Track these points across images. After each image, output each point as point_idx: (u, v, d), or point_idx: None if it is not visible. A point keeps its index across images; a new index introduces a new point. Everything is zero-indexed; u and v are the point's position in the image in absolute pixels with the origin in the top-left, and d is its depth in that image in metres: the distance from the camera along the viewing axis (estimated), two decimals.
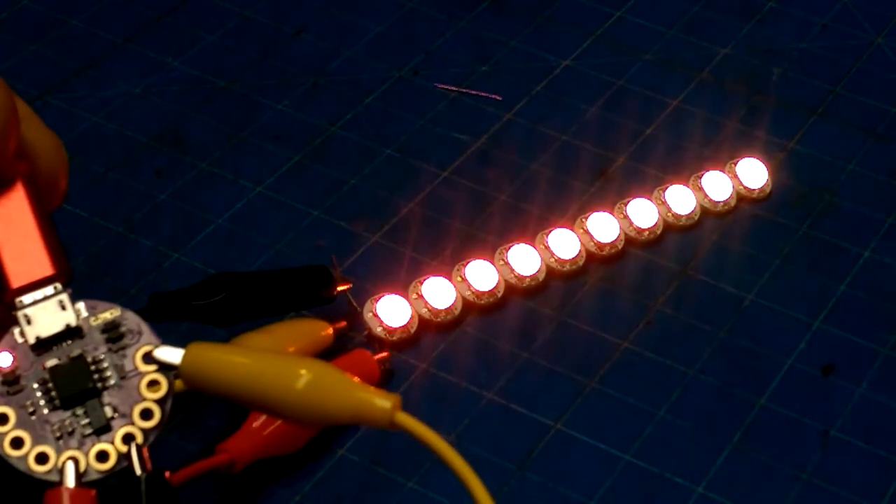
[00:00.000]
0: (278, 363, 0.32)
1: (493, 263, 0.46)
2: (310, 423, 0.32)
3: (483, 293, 0.45)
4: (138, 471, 0.31)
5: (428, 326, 0.44)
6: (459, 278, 0.45)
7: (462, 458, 0.31)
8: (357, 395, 0.31)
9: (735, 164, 0.50)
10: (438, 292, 0.45)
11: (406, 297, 0.44)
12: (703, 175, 0.49)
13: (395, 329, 0.44)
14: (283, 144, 0.51)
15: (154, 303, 0.41)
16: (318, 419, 0.31)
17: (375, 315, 0.44)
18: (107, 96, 0.52)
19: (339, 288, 0.44)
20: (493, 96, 0.53)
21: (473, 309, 0.45)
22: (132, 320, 0.32)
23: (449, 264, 0.46)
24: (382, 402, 0.31)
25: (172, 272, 0.46)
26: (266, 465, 0.40)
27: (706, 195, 0.49)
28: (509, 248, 0.46)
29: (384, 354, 0.43)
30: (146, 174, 0.49)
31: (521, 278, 0.46)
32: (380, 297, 0.44)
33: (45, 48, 0.54)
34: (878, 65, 0.55)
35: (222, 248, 0.47)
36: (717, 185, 0.49)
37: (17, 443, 0.31)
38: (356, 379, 0.32)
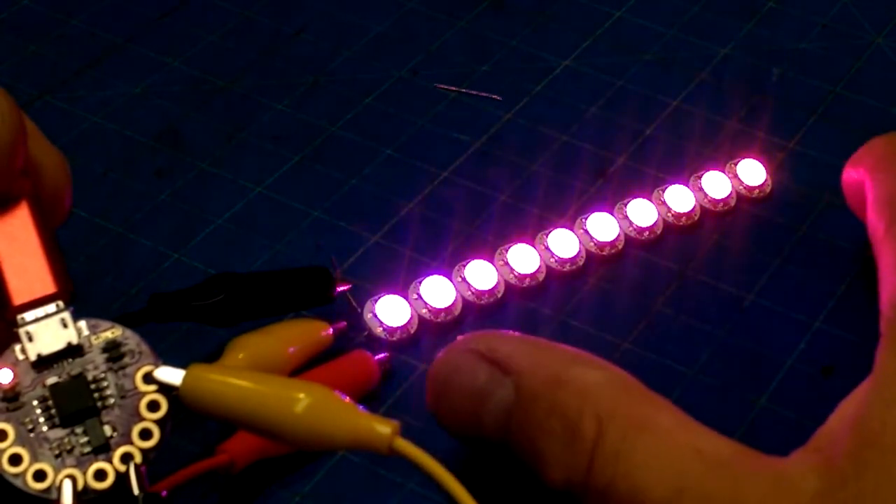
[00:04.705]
0: (277, 387, 0.32)
1: (493, 263, 0.46)
2: (308, 448, 0.32)
3: (483, 293, 0.45)
4: (136, 490, 0.31)
5: (428, 326, 0.44)
6: (459, 278, 0.45)
7: (462, 486, 0.31)
8: (356, 420, 0.31)
9: (735, 164, 0.50)
10: (438, 292, 0.45)
11: (406, 297, 0.44)
12: (702, 175, 0.49)
13: (395, 329, 0.44)
14: (283, 144, 0.51)
15: (154, 303, 0.41)
16: (317, 444, 0.32)
17: (375, 315, 0.44)
18: (107, 96, 0.52)
19: (339, 288, 0.44)
20: (493, 96, 0.53)
21: (473, 309, 0.45)
22: (133, 340, 0.32)
23: (449, 264, 0.46)
24: (382, 428, 0.31)
25: (172, 272, 0.46)
26: (266, 465, 0.40)
27: (706, 195, 0.49)
28: (509, 248, 0.46)
29: (384, 355, 0.43)
30: (146, 174, 0.49)
31: (521, 278, 0.46)
32: (380, 298, 0.44)
33: (45, 48, 0.54)
34: (878, 65, 0.55)
35: (222, 248, 0.47)
36: (717, 185, 0.49)
37: (15, 459, 0.31)
38: (357, 406, 0.32)
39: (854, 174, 0.44)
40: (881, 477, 0.31)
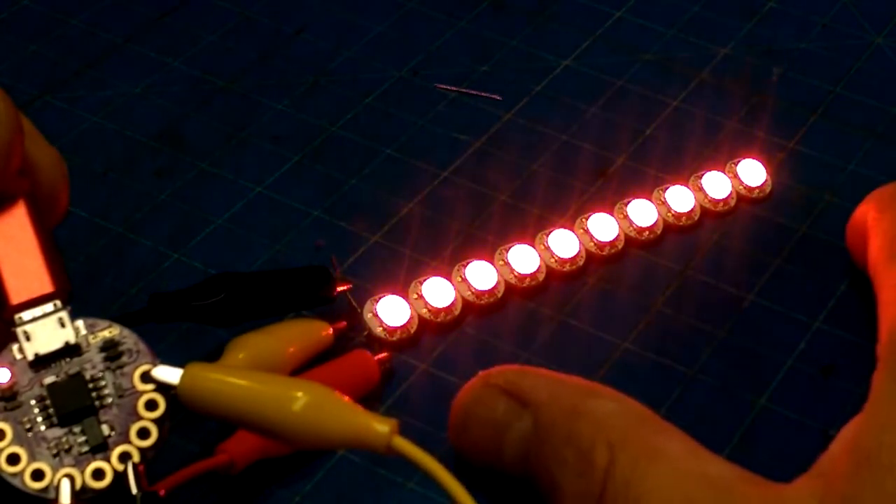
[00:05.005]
0: (276, 385, 0.32)
1: (493, 263, 0.46)
2: (307, 446, 0.32)
3: (483, 293, 0.45)
4: (134, 490, 0.31)
5: (428, 326, 0.44)
6: (459, 278, 0.45)
7: (461, 485, 0.31)
8: (354, 418, 0.31)
9: (735, 165, 0.50)
10: (438, 292, 0.45)
11: (406, 297, 0.44)
12: (702, 175, 0.49)
13: (395, 329, 0.44)
14: (283, 144, 0.51)
15: (154, 303, 0.41)
16: (315, 442, 0.32)
17: (375, 315, 0.44)
18: (107, 96, 0.52)
19: (339, 288, 0.44)
20: (493, 96, 0.53)
21: (473, 309, 0.45)
22: (130, 339, 0.32)
23: (449, 264, 0.46)
24: (380, 426, 0.31)
25: (172, 272, 0.46)
26: (266, 465, 0.40)
27: (706, 195, 0.49)
28: (509, 248, 0.46)
29: (384, 355, 0.43)
30: (146, 174, 0.49)
31: (521, 278, 0.46)
32: (380, 298, 0.44)
33: (45, 48, 0.54)
34: (878, 65, 0.55)
35: (222, 248, 0.47)
36: (717, 185, 0.49)
37: (13, 459, 0.31)
38: (355, 404, 0.32)
39: (859, 218, 0.45)
40: (877, 496, 0.31)
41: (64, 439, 0.31)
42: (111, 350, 0.32)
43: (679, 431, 0.34)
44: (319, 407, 0.31)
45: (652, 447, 0.33)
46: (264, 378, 0.32)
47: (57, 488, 0.31)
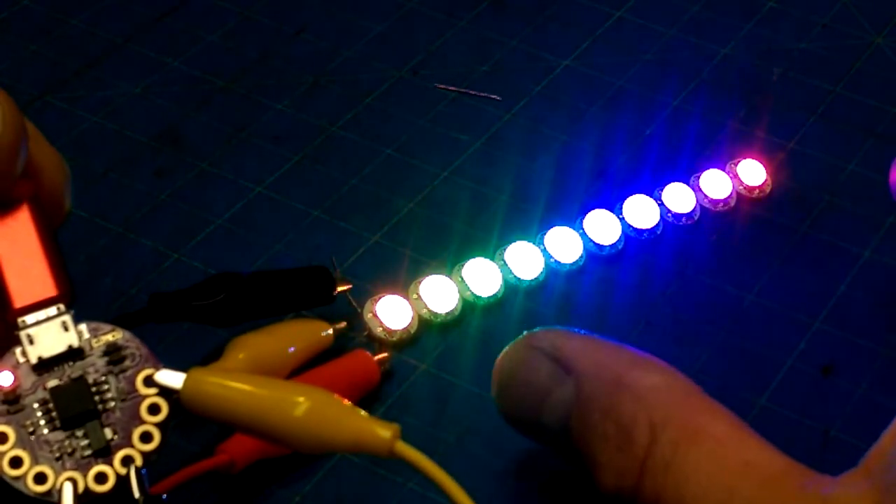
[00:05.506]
0: (278, 390, 0.32)
1: (493, 263, 0.46)
2: (309, 451, 0.32)
3: (483, 293, 0.45)
4: (136, 494, 0.31)
5: (428, 326, 0.44)
6: (459, 279, 0.45)
7: (462, 489, 0.31)
8: (357, 423, 0.31)
9: (735, 165, 0.50)
10: (438, 292, 0.45)
11: (406, 297, 0.44)
12: (702, 175, 0.49)
13: (395, 329, 0.44)
14: (283, 144, 0.51)
15: (154, 303, 0.41)
16: (317, 447, 0.32)
17: (375, 315, 0.44)
18: (107, 96, 0.52)
19: (339, 288, 0.44)
20: (493, 96, 0.53)
21: (473, 309, 0.45)
22: (133, 343, 0.32)
23: (449, 264, 0.46)
24: (382, 430, 0.31)
25: (172, 272, 0.46)
26: (266, 465, 0.40)
27: (706, 195, 0.49)
28: (509, 248, 0.46)
29: (384, 355, 0.43)
30: (146, 174, 0.49)
31: (520, 278, 0.46)
32: (380, 298, 0.44)
33: (45, 48, 0.54)
34: (878, 65, 0.55)
35: (222, 248, 0.47)
36: (717, 185, 0.49)
37: (15, 462, 0.31)
38: (357, 409, 0.32)
39: None
40: None
41: (67, 443, 0.31)
42: (114, 354, 0.32)
43: (725, 410, 0.33)
44: (321, 412, 0.31)
45: (694, 428, 0.32)
46: (267, 383, 0.32)
47: (59, 492, 0.31)
